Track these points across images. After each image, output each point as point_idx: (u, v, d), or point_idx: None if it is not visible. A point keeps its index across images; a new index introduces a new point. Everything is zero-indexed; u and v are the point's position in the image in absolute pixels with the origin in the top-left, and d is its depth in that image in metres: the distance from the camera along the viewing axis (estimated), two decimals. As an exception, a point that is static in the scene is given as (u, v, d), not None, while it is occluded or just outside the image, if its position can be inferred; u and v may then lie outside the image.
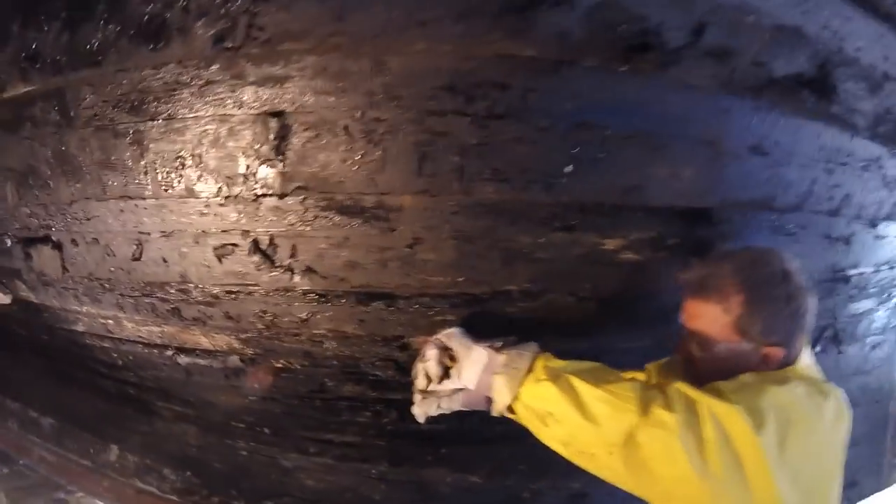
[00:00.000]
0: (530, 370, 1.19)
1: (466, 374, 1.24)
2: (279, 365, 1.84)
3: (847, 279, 1.96)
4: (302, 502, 2.22)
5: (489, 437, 1.89)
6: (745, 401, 1.04)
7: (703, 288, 1.24)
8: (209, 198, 1.28)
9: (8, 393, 2.88)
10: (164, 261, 1.53)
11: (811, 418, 1.09)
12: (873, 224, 1.83)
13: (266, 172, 1.18)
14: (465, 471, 2.06)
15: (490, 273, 1.35)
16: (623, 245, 1.39)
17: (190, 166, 1.25)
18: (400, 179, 1.17)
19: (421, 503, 2.13)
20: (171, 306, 1.71)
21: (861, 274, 1.98)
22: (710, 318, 1.21)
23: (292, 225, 1.26)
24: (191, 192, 1.29)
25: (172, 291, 1.63)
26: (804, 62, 1.34)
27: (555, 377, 1.14)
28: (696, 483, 1.00)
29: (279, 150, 1.16)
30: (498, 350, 1.25)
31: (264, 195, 1.20)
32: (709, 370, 1.22)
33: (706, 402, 1.03)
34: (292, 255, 1.34)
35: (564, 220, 1.29)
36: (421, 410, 1.31)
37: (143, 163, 1.33)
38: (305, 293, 1.47)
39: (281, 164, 1.16)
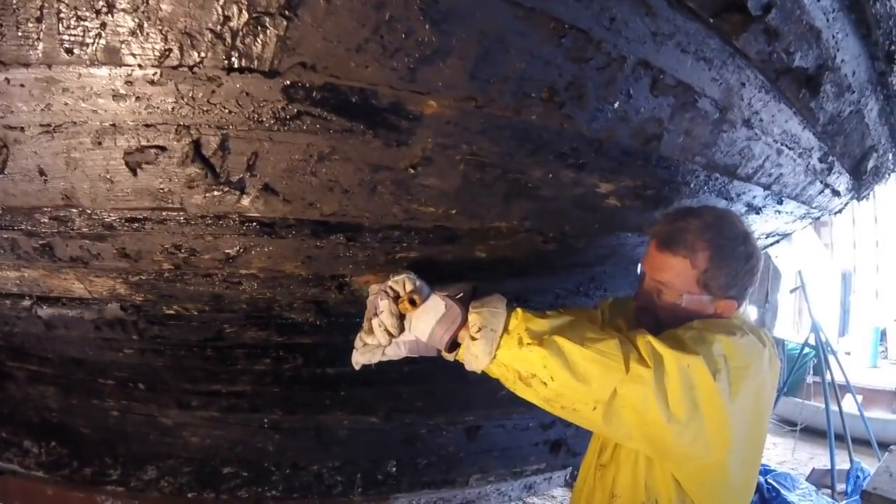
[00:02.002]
0: (506, 329, 1.11)
1: (419, 324, 1.14)
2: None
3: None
4: (189, 462, 1.97)
5: (393, 377, 1.79)
6: (703, 350, 1.09)
7: (672, 242, 1.24)
8: (139, 68, 0.86)
9: None
10: (42, 173, 1.06)
11: (755, 364, 1.16)
12: (780, 201, 1.97)
13: (258, 34, 0.78)
14: (363, 412, 1.98)
15: (487, 207, 1.14)
16: (612, 190, 1.29)
17: (124, 10, 0.80)
18: (448, 77, 0.86)
19: (319, 450, 2.02)
20: (41, 242, 1.25)
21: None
22: (676, 270, 1.24)
23: (261, 122, 0.90)
24: (112, 56, 0.85)
25: (45, 221, 1.17)
26: (812, 60, 1.36)
27: (541, 340, 1.07)
28: (663, 426, 1.06)
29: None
30: (456, 300, 1.14)
31: (240, 70, 0.81)
32: (666, 317, 1.26)
33: (674, 355, 1.06)
34: (249, 168, 0.99)
35: (579, 157, 1.11)
36: (364, 359, 1.20)
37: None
38: (245, 222, 1.13)
39: (284, 25, 0.77)
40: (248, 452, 2.02)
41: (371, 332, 1.17)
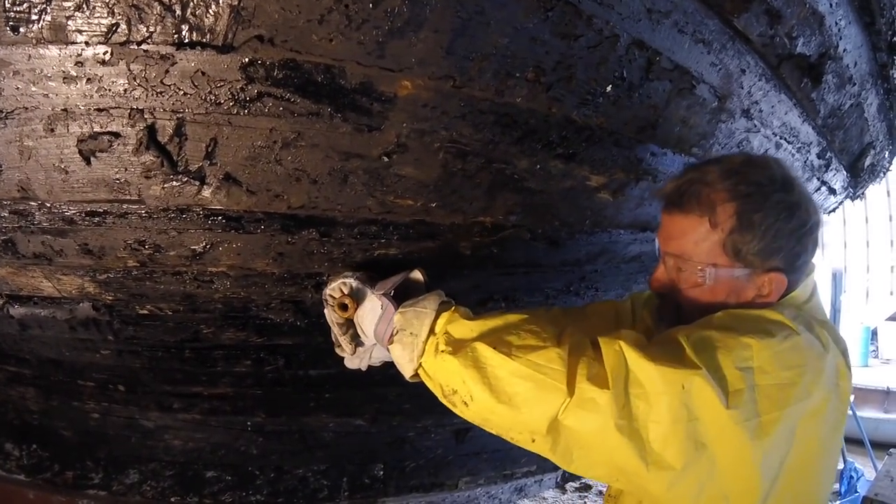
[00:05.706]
0: (432, 332, 0.90)
1: (367, 329, 1.00)
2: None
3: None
4: (171, 466, 1.89)
5: (378, 378, 1.66)
6: (712, 360, 0.76)
7: (682, 197, 0.92)
8: (88, 46, 0.78)
9: None
10: (-4, 164, 0.98)
11: (806, 378, 0.80)
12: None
13: (209, 4, 0.69)
14: (349, 415, 1.88)
15: (469, 200, 1.04)
16: (604, 183, 1.18)
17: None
18: (422, 52, 0.76)
19: (304, 453, 1.94)
20: (2, 238, 1.18)
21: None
22: (692, 237, 0.91)
23: (219, 104, 0.80)
24: (59, 34, 0.77)
25: (5, 215, 1.10)
26: (814, 47, 1.25)
27: (457, 347, 0.85)
28: (640, 473, 0.75)
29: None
30: (391, 298, 0.99)
31: (191, 45, 0.72)
32: (689, 306, 0.93)
33: (658, 372, 0.74)
34: (208, 156, 0.89)
35: (568, 147, 1.01)
36: (353, 365, 1.12)
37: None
38: (209, 216, 1.04)
39: (238, -9, 0.67)
40: (231, 456, 1.95)
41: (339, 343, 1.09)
